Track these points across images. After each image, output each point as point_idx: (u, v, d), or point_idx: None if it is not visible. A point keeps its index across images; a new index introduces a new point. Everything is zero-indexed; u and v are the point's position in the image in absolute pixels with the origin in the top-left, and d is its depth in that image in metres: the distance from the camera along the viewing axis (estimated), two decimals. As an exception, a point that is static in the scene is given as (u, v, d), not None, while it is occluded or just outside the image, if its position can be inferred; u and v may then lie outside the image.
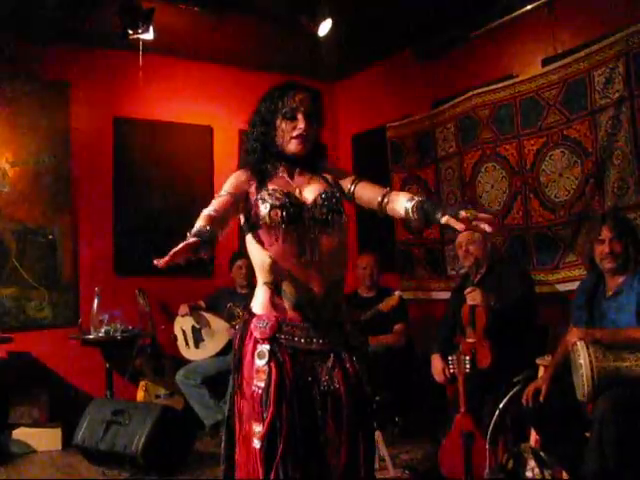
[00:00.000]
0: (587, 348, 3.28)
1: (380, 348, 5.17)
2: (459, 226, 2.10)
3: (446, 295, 5.45)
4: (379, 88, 6.73)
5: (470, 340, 4.30)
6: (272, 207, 2.32)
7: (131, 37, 5.14)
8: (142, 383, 5.68)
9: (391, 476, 4.38)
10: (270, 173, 2.44)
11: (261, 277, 2.40)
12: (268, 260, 2.34)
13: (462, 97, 5.65)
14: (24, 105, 5.76)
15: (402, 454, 4.88)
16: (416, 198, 2.30)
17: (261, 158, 2.45)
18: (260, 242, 2.37)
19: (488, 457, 3.93)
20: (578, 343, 3.32)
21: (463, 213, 2.09)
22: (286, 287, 2.34)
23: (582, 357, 3.26)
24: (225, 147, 6.56)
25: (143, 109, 6.32)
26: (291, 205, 2.34)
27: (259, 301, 2.41)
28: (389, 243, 6.45)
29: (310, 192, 2.42)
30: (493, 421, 3.97)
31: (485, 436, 3.96)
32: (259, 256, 2.38)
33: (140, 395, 5.63)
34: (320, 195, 2.41)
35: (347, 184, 2.52)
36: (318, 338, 2.36)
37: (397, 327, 5.39)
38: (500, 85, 5.33)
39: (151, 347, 5.79)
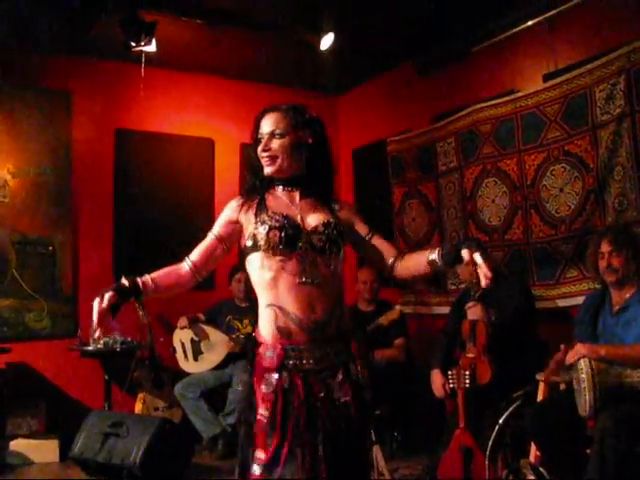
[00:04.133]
0: (589, 363, 3.27)
1: (380, 362, 5.16)
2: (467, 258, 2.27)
3: (446, 310, 5.43)
4: (380, 102, 6.75)
5: (470, 355, 4.29)
6: (270, 228, 2.35)
7: (133, 49, 5.16)
8: (140, 395, 5.67)
9: (390, 491, 4.36)
10: (268, 197, 2.48)
11: (263, 299, 2.40)
12: (268, 281, 2.36)
13: (463, 112, 5.65)
14: (26, 115, 5.78)
15: (401, 469, 4.86)
16: (436, 249, 2.41)
17: (253, 184, 2.52)
18: (260, 264, 2.38)
19: (487, 473, 3.91)
20: (581, 359, 3.31)
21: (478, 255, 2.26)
22: (289, 308, 2.34)
23: (584, 372, 3.25)
24: (226, 160, 6.57)
25: (145, 121, 6.33)
26: (290, 227, 2.36)
27: (263, 326, 2.41)
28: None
29: (313, 219, 2.44)
30: (493, 436, 3.95)
31: (484, 451, 3.95)
32: (260, 277, 2.39)
33: (138, 407, 5.61)
34: (322, 223, 2.42)
35: (361, 230, 2.56)
36: (325, 356, 2.36)
37: (397, 341, 5.38)
38: (501, 100, 5.34)
39: (150, 359, 5.77)
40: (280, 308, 2.34)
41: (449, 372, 4.30)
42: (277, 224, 2.35)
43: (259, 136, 2.46)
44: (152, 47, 5.18)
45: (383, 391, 4.86)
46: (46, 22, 5.20)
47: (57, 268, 5.84)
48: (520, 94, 5.21)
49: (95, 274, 5.97)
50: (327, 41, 5.43)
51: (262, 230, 2.36)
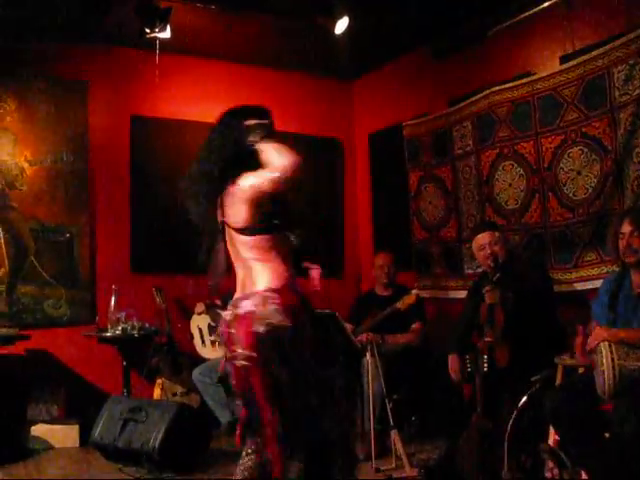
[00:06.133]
0: (609, 346, 3.25)
1: (397, 347, 5.16)
2: None
3: (463, 294, 5.41)
4: (396, 86, 6.71)
5: (488, 339, 4.27)
6: None
7: (148, 36, 5.16)
8: (159, 381, 5.69)
9: (407, 475, 4.37)
10: None
11: None
12: None
13: (479, 95, 5.61)
14: (42, 104, 5.80)
15: (419, 453, 4.87)
16: None
17: None
18: None
19: (506, 457, 3.90)
20: (601, 342, 3.29)
21: None
22: None
23: (604, 355, 3.23)
24: (242, 145, 6.55)
25: (160, 107, 6.33)
26: None
27: None
28: (406, 241, 6.44)
29: None
30: (511, 421, 3.94)
31: (503, 436, 3.94)
32: None
33: (157, 393, 5.64)
34: None
35: None
36: None
37: (414, 326, 5.37)
38: (518, 83, 5.29)
39: (168, 345, 5.79)
40: None
41: (467, 356, 4.29)
42: None
43: None
44: (167, 33, 5.19)
45: (400, 375, 4.89)
46: (61, 10, 5.21)
47: (75, 255, 5.87)
48: (537, 76, 5.16)
49: (112, 261, 6.01)
50: (342, 25, 5.40)
51: None
